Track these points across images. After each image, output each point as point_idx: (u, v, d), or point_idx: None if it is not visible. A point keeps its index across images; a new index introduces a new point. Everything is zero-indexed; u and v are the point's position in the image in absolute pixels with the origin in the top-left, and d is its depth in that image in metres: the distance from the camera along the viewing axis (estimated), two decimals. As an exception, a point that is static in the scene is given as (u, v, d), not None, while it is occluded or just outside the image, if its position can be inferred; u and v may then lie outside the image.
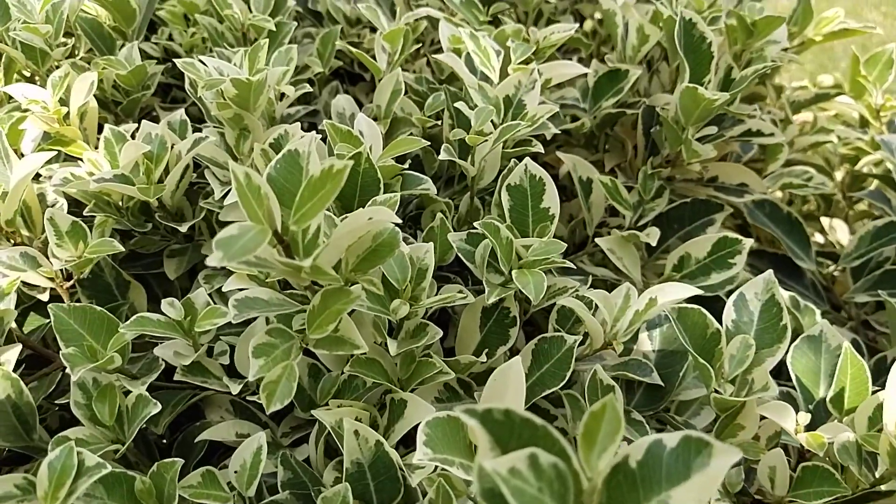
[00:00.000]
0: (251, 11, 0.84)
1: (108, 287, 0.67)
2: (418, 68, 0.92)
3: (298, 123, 0.67)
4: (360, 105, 1.03)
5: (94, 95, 0.72)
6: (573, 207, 0.93)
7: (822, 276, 0.96)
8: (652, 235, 0.73)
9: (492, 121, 0.68)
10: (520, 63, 0.74)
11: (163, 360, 0.60)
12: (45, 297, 0.63)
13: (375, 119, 0.77)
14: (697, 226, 0.81)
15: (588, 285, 0.70)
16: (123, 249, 0.59)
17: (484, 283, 0.60)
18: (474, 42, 0.75)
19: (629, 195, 0.80)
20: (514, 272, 0.58)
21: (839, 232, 1.24)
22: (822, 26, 1.08)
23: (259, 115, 0.68)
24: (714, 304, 0.70)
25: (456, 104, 0.69)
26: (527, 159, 0.65)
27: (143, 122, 0.66)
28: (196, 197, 0.73)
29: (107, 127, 0.67)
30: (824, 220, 1.20)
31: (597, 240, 0.75)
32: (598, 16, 1.12)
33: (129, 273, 0.70)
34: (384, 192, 0.63)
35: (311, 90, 0.93)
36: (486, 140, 0.65)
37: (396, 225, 0.49)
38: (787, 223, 0.92)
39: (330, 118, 0.95)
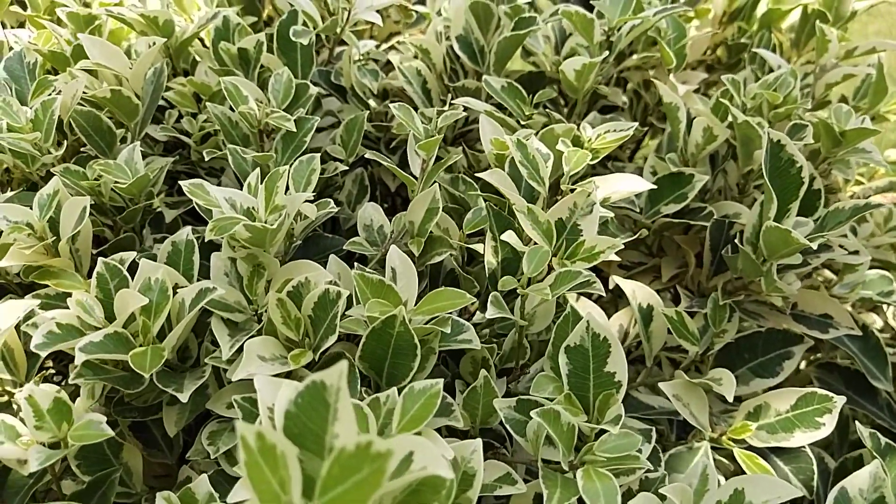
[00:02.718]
0: (269, 100, 0.74)
1: (99, 449, 0.58)
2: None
3: (331, 265, 0.57)
4: (388, 191, 0.94)
5: (91, 202, 0.63)
6: (621, 318, 0.83)
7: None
8: (726, 386, 0.63)
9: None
10: (573, 172, 0.65)
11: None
12: (25, 470, 0.54)
13: (407, 235, 0.68)
14: (773, 357, 0.71)
15: (651, 443, 0.61)
16: (112, 434, 0.50)
17: (541, 478, 0.50)
18: (521, 152, 0.65)
19: (693, 321, 0.70)
20: (579, 473, 0.49)
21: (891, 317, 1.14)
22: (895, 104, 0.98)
23: (275, 252, 0.59)
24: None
25: (503, 236, 0.60)
26: (589, 314, 0.56)
27: (143, 262, 0.57)
28: (203, 328, 0.64)
29: (100, 261, 0.58)
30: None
31: (661, 385, 0.65)
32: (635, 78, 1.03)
33: (125, 417, 0.62)
34: (420, 348, 0.54)
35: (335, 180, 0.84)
36: (539, 288, 0.56)
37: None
38: (863, 339, 0.82)
39: (353, 210, 0.86)
